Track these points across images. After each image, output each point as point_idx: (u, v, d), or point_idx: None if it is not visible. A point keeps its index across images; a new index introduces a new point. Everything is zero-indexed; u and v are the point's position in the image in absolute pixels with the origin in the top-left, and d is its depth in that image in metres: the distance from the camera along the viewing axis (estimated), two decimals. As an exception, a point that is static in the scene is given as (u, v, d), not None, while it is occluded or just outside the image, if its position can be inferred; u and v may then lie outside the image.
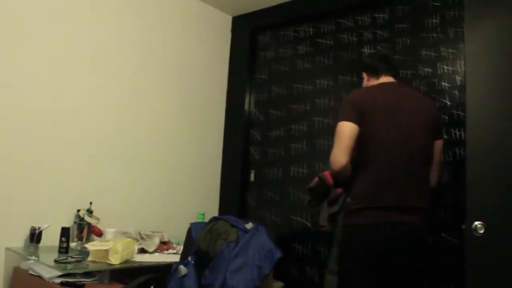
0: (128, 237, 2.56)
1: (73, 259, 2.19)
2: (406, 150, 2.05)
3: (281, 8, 3.58)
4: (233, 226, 2.37)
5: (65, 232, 2.42)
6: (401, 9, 3.01)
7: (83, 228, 2.64)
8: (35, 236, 2.46)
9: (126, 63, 3.11)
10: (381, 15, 3.10)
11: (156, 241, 2.74)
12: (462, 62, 2.64)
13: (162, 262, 2.46)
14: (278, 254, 2.31)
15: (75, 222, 2.67)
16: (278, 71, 3.61)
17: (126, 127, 3.10)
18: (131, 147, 3.12)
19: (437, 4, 2.84)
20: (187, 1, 3.55)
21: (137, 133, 3.17)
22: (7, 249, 2.45)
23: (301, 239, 3.19)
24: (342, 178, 2.11)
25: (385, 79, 2.24)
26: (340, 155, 2.02)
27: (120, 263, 2.20)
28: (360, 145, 2.05)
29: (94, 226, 2.71)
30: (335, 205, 2.30)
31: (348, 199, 2.08)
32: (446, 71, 2.75)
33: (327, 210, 2.36)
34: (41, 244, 2.48)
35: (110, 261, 2.17)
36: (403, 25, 2.98)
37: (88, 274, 2.20)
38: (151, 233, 2.80)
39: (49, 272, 2.14)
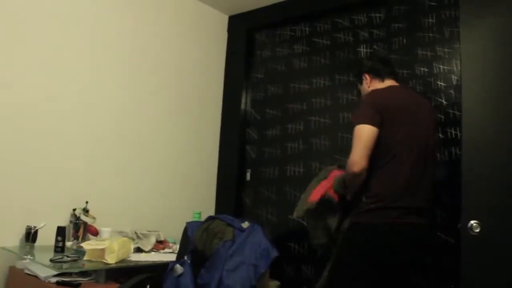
0: (124, 236, 2.56)
1: (69, 259, 2.19)
2: (423, 151, 2.08)
3: (278, 8, 3.58)
4: (229, 225, 2.37)
5: (61, 231, 2.41)
6: (397, 9, 3.01)
7: (79, 227, 2.63)
8: (30, 235, 2.46)
9: (122, 63, 3.11)
10: (377, 15, 3.11)
11: (152, 240, 2.73)
12: (458, 62, 2.65)
13: (158, 261, 2.46)
14: (274, 253, 2.31)
15: (71, 221, 2.66)
16: (274, 70, 3.61)
17: (122, 127, 3.09)
18: (127, 146, 3.12)
19: (433, 4, 2.85)
20: (183, 0, 3.55)
21: (133, 132, 3.16)
22: (2, 248, 2.43)
23: (297, 238, 3.19)
24: (357, 182, 2.08)
25: (390, 82, 2.26)
26: (361, 157, 2.00)
27: (116, 263, 2.19)
28: (379, 146, 2.04)
29: (90, 225, 2.70)
30: (333, 217, 2.29)
31: (364, 199, 2.06)
32: (442, 70, 2.75)
33: (328, 221, 2.34)
34: (37, 243, 2.48)
35: (106, 260, 2.17)
36: (399, 25, 2.99)
37: (84, 274, 2.19)
38: (147, 232, 2.79)
39: (44, 272, 2.13)
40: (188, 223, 2.49)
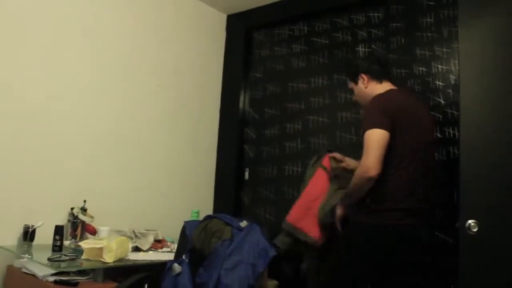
0: (122, 235, 2.55)
1: (66, 257, 2.18)
2: (424, 152, 2.10)
3: (276, 7, 3.58)
4: (227, 224, 2.37)
5: (58, 230, 2.41)
6: (396, 8, 3.02)
7: (77, 226, 2.63)
8: (28, 234, 2.45)
9: (121, 61, 3.10)
10: (375, 14, 3.11)
11: (150, 239, 2.73)
12: (456, 61, 2.65)
13: (156, 260, 2.46)
14: (272, 252, 2.31)
15: (69, 220, 2.66)
16: (273, 70, 3.61)
17: (120, 126, 3.09)
18: (125, 145, 3.11)
19: (432, 3, 2.85)
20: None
21: (131, 131, 3.15)
22: (0, 247, 2.43)
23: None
24: (366, 188, 2.04)
25: (388, 84, 2.26)
26: (377, 162, 1.97)
27: (114, 261, 2.19)
28: (388, 150, 2.03)
29: (88, 224, 2.70)
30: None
31: (367, 200, 2.05)
32: (440, 70, 2.76)
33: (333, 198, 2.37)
34: (35, 242, 2.47)
35: (104, 259, 2.16)
36: (397, 24, 2.99)
37: (81, 272, 2.19)
38: (145, 231, 2.79)
39: (42, 271, 2.13)
40: (186, 222, 2.49)
